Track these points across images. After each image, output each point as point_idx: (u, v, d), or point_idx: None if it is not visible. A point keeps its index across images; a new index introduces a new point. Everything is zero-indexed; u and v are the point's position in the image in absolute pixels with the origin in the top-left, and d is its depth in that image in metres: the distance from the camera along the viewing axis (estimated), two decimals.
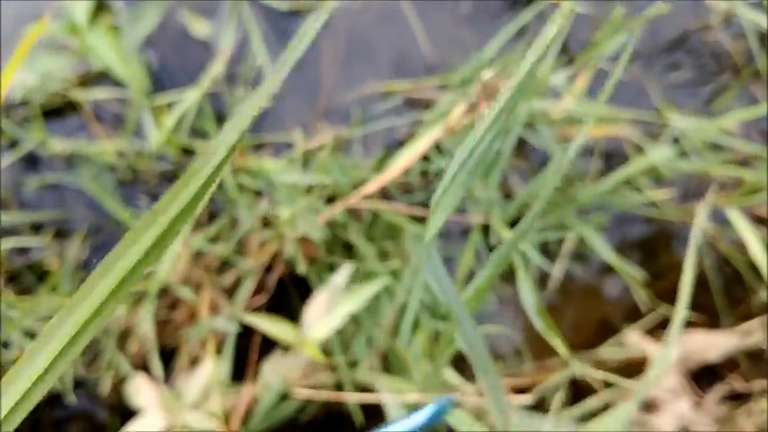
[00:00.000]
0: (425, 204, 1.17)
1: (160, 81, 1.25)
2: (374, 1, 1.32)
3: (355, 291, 0.95)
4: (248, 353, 1.07)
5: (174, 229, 0.28)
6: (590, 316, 1.26)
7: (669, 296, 1.25)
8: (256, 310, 1.05)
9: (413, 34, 1.31)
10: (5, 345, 0.91)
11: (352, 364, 1.07)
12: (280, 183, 1.00)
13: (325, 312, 0.95)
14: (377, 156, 1.22)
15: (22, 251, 1.17)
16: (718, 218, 1.22)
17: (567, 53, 1.32)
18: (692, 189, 1.27)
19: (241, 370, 1.06)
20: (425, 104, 1.27)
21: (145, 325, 1.02)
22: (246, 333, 1.06)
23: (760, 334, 1.16)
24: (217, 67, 1.20)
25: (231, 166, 1.09)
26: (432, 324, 0.99)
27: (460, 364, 1.04)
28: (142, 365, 1.07)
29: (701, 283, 1.24)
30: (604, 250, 1.11)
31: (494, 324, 1.19)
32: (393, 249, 1.13)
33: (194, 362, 1.04)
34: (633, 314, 1.22)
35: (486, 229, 1.10)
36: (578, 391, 1.16)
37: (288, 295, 1.12)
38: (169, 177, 1.20)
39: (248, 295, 1.03)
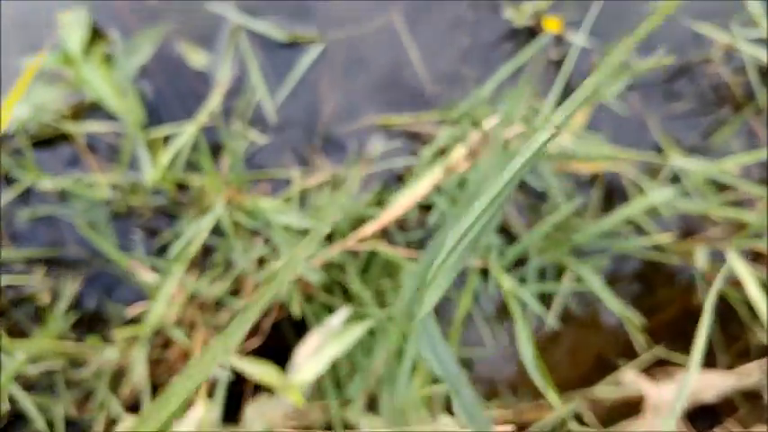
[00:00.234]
0: (423, 243, 1.15)
1: (156, 112, 1.23)
2: (373, 33, 1.31)
3: (343, 334, 0.94)
4: (243, 395, 1.05)
5: None
6: (586, 350, 1.25)
7: (665, 331, 1.24)
8: (251, 352, 1.04)
9: (412, 66, 1.30)
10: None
11: (345, 403, 1.05)
12: (276, 224, 0.98)
13: (314, 355, 0.94)
14: (375, 190, 1.21)
15: (14, 285, 1.16)
16: (715, 253, 1.21)
17: (568, 84, 1.31)
18: (692, 224, 1.26)
19: (236, 411, 1.05)
20: (424, 139, 1.26)
21: (138, 367, 1.00)
22: (242, 375, 1.04)
23: (758, 376, 1.15)
24: (214, 100, 1.18)
25: (227, 203, 1.07)
26: (429, 369, 0.98)
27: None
28: (135, 406, 1.06)
29: (695, 318, 1.23)
30: (603, 293, 1.10)
31: (490, 354, 1.18)
32: (391, 286, 1.12)
33: (187, 404, 1.02)
34: (630, 350, 1.21)
35: (485, 271, 1.09)
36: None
37: (285, 336, 1.11)
38: (164, 212, 1.18)
39: (242, 338, 1.01)
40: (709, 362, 1.23)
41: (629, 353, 1.19)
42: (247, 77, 1.26)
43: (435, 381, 1.01)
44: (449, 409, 1.05)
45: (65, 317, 1.09)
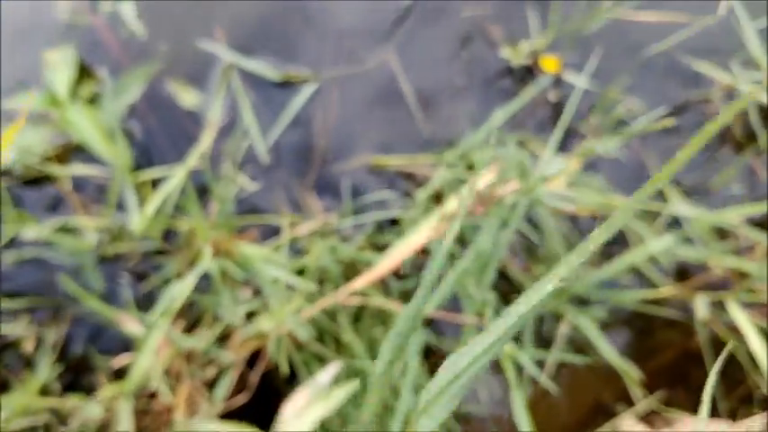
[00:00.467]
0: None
1: (146, 152, 1.21)
2: (368, 72, 1.28)
3: (330, 392, 0.91)
4: None
5: None
6: (585, 393, 1.22)
7: (665, 374, 1.22)
8: (236, 410, 1.01)
9: (407, 106, 1.27)
10: None
11: None
12: (264, 276, 0.96)
13: (300, 415, 0.91)
14: (368, 232, 1.18)
15: None
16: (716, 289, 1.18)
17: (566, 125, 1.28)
18: (691, 265, 1.23)
19: None
20: (419, 180, 1.23)
21: (123, 421, 0.97)
22: None
23: (761, 429, 1.12)
24: (205, 141, 1.16)
25: (215, 250, 1.04)
26: None
27: None
28: None
29: (695, 361, 1.21)
30: (601, 344, 1.07)
31: (485, 409, 1.15)
32: (384, 335, 1.09)
33: None
34: (628, 395, 1.18)
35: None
36: None
37: (275, 384, 1.08)
38: (152, 256, 1.16)
39: (228, 393, 0.98)
40: (710, 407, 1.21)
41: (628, 396, 1.17)
42: (239, 117, 1.23)
43: None
44: None
45: (49, 368, 1.06)
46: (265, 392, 1.06)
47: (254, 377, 1.01)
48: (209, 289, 1.08)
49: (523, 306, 0.34)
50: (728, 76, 1.28)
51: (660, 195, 1.24)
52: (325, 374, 0.96)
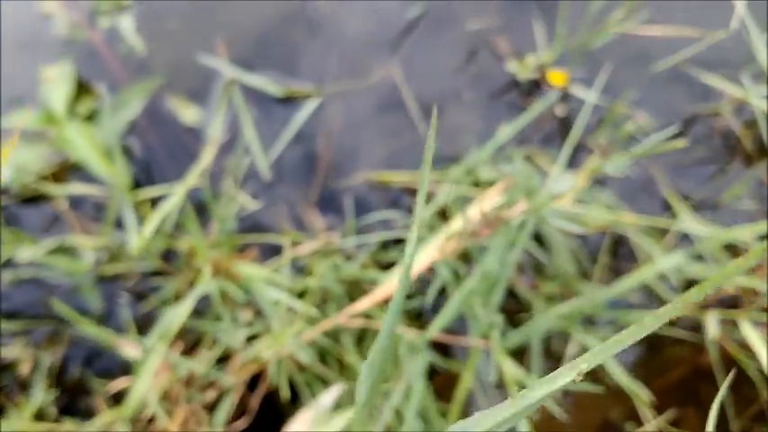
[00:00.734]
0: (420, 313, 1.10)
1: (145, 170, 1.19)
2: (371, 87, 1.26)
3: (332, 417, 0.88)
4: None
5: None
6: (594, 412, 1.20)
7: (674, 392, 1.19)
8: None
9: (412, 120, 1.25)
10: None
11: None
12: (264, 298, 0.93)
13: None
14: (371, 249, 1.16)
15: None
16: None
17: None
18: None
19: None
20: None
21: None
22: None
23: None
24: (206, 158, 1.14)
25: (215, 270, 1.02)
26: None
27: None
28: None
29: (706, 379, 1.18)
30: (611, 366, 1.05)
31: None
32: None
33: None
34: (637, 414, 1.15)
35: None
36: None
37: (278, 405, 1.05)
38: (151, 276, 1.13)
39: (228, 417, 0.96)
40: (722, 426, 1.18)
41: (638, 415, 1.14)
42: (241, 134, 1.21)
43: None
44: None
45: (45, 391, 1.04)
46: (267, 415, 1.04)
47: (255, 400, 0.99)
48: (210, 310, 1.06)
49: (540, 391, 0.31)
50: (739, 90, 1.25)
51: (669, 209, 1.21)
52: (327, 397, 0.93)
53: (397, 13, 1.30)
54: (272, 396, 1.06)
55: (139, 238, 0.97)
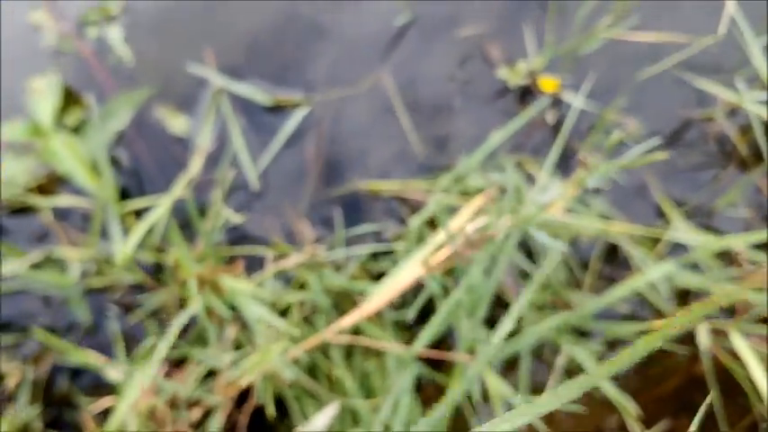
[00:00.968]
0: (409, 326, 1.10)
1: (134, 180, 1.19)
2: (361, 95, 1.25)
3: None
4: None
5: None
6: (583, 425, 1.19)
7: (668, 401, 1.18)
8: None
9: (402, 128, 1.24)
10: None
11: None
12: (249, 313, 0.93)
13: None
14: (361, 259, 1.15)
15: None
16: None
17: (567, 145, 1.25)
18: (694, 291, 1.19)
19: None
20: (413, 204, 1.20)
21: None
22: None
23: None
24: (194, 168, 1.13)
25: (200, 284, 1.02)
26: None
27: None
28: None
29: (700, 388, 1.17)
30: (601, 380, 1.03)
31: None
32: (376, 367, 1.06)
33: None
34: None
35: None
36: None
37: (266, 427, 1.05)
38: (139, 288, 1.13)
39: None
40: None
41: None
42: (229, 143, 1.20)
43: None
44: None
45: (30, 405, 1.04)
46: (257, 431, 1.04)
47: (244, 417, 0.98)
48: (196, 326, 1.05)
49: (525, 417, 0.31)
50: (733, 94, 1.24)
51: (663, 215, 1.20)
52: (322, 418, 0.93)
53: (385, 20, 1.29)
54: (261, 412, 1.06)
55: (123, 249, 0.97)
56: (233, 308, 1.01)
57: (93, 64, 1.23)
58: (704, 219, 1.22)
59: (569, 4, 1.27)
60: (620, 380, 1.15)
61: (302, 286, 1.09)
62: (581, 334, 1.13)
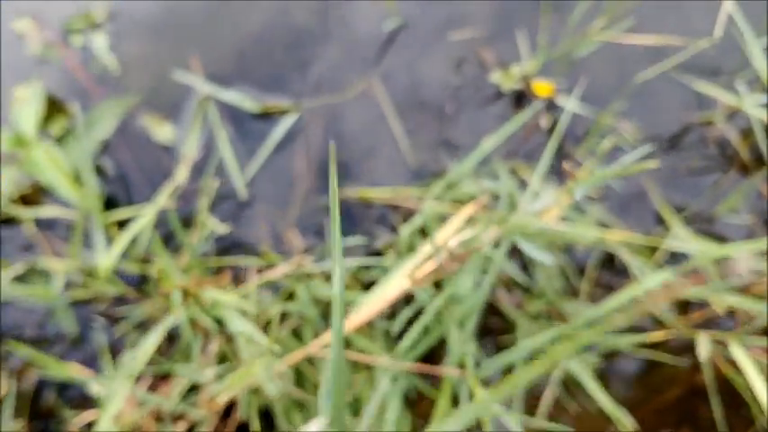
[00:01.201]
0: (401, 337, 1.07)
1: (119, 189, 1.17)
2: (351, 101, 1.23)
3: None
4: None
5: None
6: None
7: (670, 411, 1.15)
8: None
9: (393, 135, 1.21)
10: None
11: None
12: (233, 328, 0.91)
13: None
14: (351, 269, 1.12)
15: None
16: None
17: (561, 148, 1.22)
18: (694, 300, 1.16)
19: None
20: (404, 212, 1.18)
21: None
22: None
23: None
24: (179, 177, 1.11)
25: (184, 296, 0.99)
26: None
27: None
28: None
29: (702, 398, 1.13)
30: (596, 392, 1.01)
31: None
32: (365, 379, 1.03)
33: None
34: None
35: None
36: None
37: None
38: (124, 299, 1.11)
39: None
40: None
41: None
42: (216, 151, 1.18)
43: None
44: None
45: (14, 419, 1.02)
46: None
47: (230, 431, 0.96)
48: (181, 338, 1.03)
49: None
50: (733, 97, 1.20)
51: (663, 221, 1.17)
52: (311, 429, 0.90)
53: (375, 25, 1.27)
54: (248, 425, 1.03)
55: (106, 260, 0.95)
56: (219, 320, 0.99)
57: (78, 72, 1.21)
58: (705, 225, 1.19)
59: (563, 6, 1.25)
60: (620, 391, 1.13)
61: (291, 296, 1.07)
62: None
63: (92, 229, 1.06)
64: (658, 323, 1.12)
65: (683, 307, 1.15)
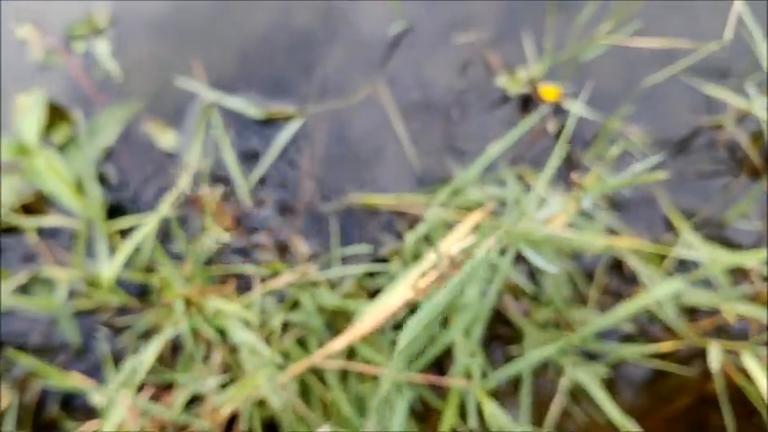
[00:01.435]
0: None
1: (122, 197, 1.16)
2: (356, 106, 1.22)
3: None
4: None
5: None
6: None
7: (680, 420, 1.13)
8: None
9: (398, 140, 1.20)
10: None
11: None
12: (236, 338, 0.90)
13: None
14: (356, 277, 1.11)
15: None
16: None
17: (570, 154, 1.20)
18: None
19: None
20: (410, 218, 1.16)
21: None
22: None
23: None
24: (181, 185, 1.10)
25: (187, 305, 0.98)
26: None
27: None
28: None
29: (713, 406, 1.12)
30: (604, 402, 0.99)
31: None
32: (371, 389, 1.02)
33: None
34: None
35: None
36: None
37: None
38: (128, 308, 1.10)
39: None
40: None
41: None
42: (220, 158, 1.17)
43: None
44: None
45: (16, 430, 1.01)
46: None
47: None
48: (184, 348, 1.02)
49: None
50: (742, 100, 1.19)
51: (672, 227, 1.15)
52: None
53: (380, 29, 1.26)
54: None
55: (109, 269, 0.94)
56: (221, 330, 0.98)
57: (81, 78, 1.20)
58: (715, 230, 1.17)
59: (569, 7, 1.23)
60: (628, 399, 1.11)
61: (296, 304, 1.06)
62: (586, 354, 1.08)
63: (94, 237, 1.05)
64: (667, 329, 1.10)
65: (693, 314, 1.13)
